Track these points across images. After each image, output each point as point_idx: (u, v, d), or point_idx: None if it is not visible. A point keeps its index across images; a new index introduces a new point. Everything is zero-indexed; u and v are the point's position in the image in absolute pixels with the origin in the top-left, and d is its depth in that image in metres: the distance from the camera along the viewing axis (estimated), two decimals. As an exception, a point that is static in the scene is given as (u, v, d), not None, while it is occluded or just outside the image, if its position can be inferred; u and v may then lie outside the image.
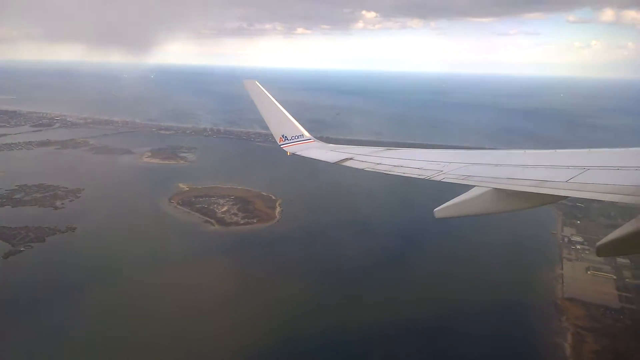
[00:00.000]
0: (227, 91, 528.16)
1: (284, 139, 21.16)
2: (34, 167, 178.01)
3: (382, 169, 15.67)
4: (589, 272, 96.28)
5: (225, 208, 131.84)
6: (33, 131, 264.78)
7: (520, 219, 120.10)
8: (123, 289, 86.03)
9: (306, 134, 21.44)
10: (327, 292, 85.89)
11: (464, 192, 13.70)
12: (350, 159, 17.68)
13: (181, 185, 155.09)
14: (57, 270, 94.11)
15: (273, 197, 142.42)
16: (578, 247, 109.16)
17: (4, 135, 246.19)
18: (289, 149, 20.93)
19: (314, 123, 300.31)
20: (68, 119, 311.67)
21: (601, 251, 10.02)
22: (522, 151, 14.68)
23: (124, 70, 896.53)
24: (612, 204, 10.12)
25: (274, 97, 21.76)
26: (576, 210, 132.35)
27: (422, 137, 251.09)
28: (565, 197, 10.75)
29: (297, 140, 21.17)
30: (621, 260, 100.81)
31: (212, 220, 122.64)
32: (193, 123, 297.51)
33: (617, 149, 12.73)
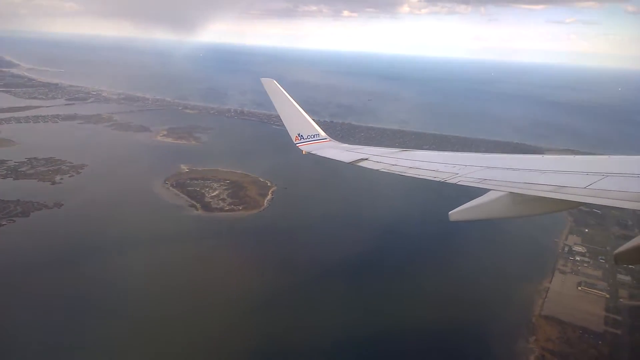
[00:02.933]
0: (266, 72, 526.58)
1: (299, 138, 21.14)
2: (51, 140, 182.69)
3: (397, 170, 15.51)
4: (579, 288, 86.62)
5: (215, 192, 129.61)
6: (65, 105, 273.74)
7: (525, 222, 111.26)
8: (75, 272, 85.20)
9: (322, 133, 21.46)
10: (277, 291, 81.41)
11: (478, 195, 13.49)
12: (365, 159, 17.64)
13: (182, 166, 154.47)
14: (25, 248, 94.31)
15: (268, 184, 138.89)
16: (577, 258, 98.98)
17: (38, 107, 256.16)
18: (305, 147, 20.95)
19: (342, 108, 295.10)
20: (103, 94, 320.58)
21: (619, 259, 10.22)
22: (540, 156, 14.32)
23: (174, 48, 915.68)
24: (633, 212, 10.38)
25: (292, 96, 21.81)
26: (590, 216, 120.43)
27: (449, 129, 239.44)
28: (583, 204, 10.43)
29: (313, 139, 21.24)
30: (622, 277, 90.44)
31: (197, 205, 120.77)
32: (220, 103, 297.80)
33: (638, 156, 12.25)
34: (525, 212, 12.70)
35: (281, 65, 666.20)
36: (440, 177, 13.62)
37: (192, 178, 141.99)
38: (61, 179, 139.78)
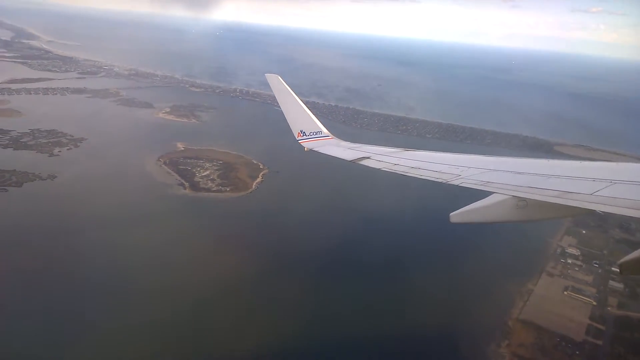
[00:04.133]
0: (281, 53, 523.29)
1: (302, 134, 21.13)
2: (56, 113, 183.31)
3: (399, 170, 15.56)
4: (565, 293, 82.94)
5: (206, 172, 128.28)
6: (77, 78, 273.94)
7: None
8: (52, 246, 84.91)
9: (324, 130, 21.41)
10: (237, 281, 79.55)
11: (481, 198, 13.23)
12: (368, 158, 17.72)
13: (179, 144, 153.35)
14: (10, 219, 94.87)
15: (261, 166, 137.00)
16: (569, 261, 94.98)
17: (50, 79, 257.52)
18: (307, 144, 20.97)
19: (349, 92, 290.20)
20: (115, 69, 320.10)
21: (624, 269, 9.97)
22: (545, 160, 14.27)
23: (191, 26, 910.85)
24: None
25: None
26: (590, 217, 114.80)
27: (456, 118, 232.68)
28: (589, 211, 10.29)
29: (315, 136, 21.18)
30: (614, 284, 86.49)
31: (185, 184, 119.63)
32: (227, 83, 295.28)
33: None
34: (528, 217, 12.46)
35: (296, 46, 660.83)
36: (442, 178, 13.56)
37: (186, 157, 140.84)
38: (59, 151, 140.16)
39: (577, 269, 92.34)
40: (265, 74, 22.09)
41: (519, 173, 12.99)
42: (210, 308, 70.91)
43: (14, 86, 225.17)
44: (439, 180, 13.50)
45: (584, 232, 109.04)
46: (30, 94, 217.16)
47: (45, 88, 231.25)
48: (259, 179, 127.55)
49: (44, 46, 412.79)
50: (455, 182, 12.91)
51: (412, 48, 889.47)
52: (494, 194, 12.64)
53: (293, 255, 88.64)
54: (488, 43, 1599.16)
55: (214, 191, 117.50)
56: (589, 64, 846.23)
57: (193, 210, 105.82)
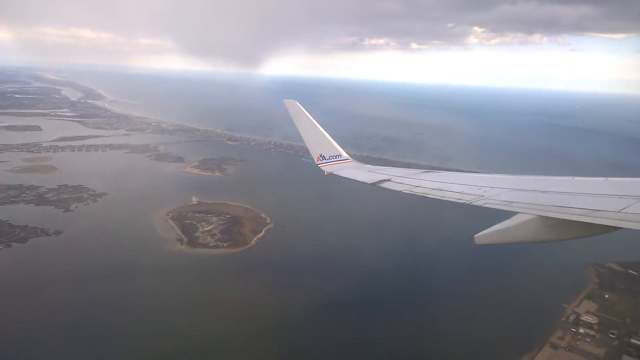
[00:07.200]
0: (331, 104, 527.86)
1: (321, 159, 20.95)
2: (88, 168, 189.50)
3: (419, 191, 15.08)
4: (567, 369, 69.16)
5: (209, 227, 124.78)
6: (123, 134, 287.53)
7: (536, 280, 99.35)
8: (35, 302, 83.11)
9: (344, 154, 21.35)
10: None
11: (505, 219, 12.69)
12: (388, 180, 17.22)
13: (193, 198, 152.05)
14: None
15: (268, 221, 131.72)
16: (581, 330, 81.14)
17: (97, 137, 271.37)
18: (326, 168, 20.70)
19: (387, 142, 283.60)
20: (162, 125, 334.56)
21: None
22: (570, 178, 13.61)
23: (248, 81, 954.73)
24: None
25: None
26: (621, 278, 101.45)
27: (497, 167, 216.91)
28: (617, 229, 9.91)
29: (335, 160, 20.93)
30: (629, 359, 71.52)
31: (184, 239, 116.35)
32: (264, 135, 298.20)
33: None
34: (554, 237, 11.85)
35: (346, 97, 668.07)
36: (465, 199, 13.25)
37: (196, 211, 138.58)
38: (76, 206, 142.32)
39: (588, 339, 78.69)
40: (283, 100, 21.82)
41: (544, 192, 12.57)
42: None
43: (61, 143, 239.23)
44: (462, 202, 12.97)
45: (606, 296, 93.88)
46: (74, 150, 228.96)
47: (90, 145, 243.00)
48: (261, 234, 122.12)
49: (106, 105, 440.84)
50: (478, 203, 12.54)
51: (464, 95, 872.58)
52: (519, 214, 12.17)
53: (270, 315, 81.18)
54: (548, 88, 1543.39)
55: (210, 247, 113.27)
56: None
57: (180, 266, 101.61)
